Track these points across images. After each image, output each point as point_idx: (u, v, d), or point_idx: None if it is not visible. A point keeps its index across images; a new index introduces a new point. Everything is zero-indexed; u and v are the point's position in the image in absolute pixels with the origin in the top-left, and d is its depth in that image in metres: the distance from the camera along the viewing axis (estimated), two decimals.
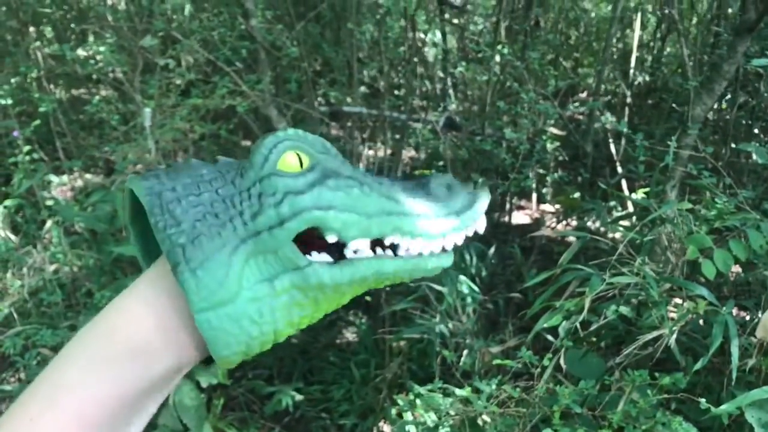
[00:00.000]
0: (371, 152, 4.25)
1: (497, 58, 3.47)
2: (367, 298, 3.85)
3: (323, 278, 0.54)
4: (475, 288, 3.50)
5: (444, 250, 0.60)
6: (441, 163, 3.88)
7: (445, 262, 0.60)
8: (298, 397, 3.31)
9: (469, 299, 3.43)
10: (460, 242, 0.60)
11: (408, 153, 4.47)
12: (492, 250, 4.00)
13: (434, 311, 3.37)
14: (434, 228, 0.58)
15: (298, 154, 0.56)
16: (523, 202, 4.93)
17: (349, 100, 3.68)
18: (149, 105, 3.43)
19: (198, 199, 0.54)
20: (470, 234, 0.61)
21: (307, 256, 0.55)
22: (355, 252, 0.56)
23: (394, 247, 0.58)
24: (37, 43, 4.29)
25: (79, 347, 0.51)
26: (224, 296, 0.51)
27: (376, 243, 0.58)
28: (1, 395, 2.95)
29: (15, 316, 3.10)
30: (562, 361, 2.11)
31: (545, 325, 2.09)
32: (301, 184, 0.54)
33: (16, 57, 4.25)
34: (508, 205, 4.31)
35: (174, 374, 0.54)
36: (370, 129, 4.18)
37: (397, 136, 4.08)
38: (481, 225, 0.62)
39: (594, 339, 2.57)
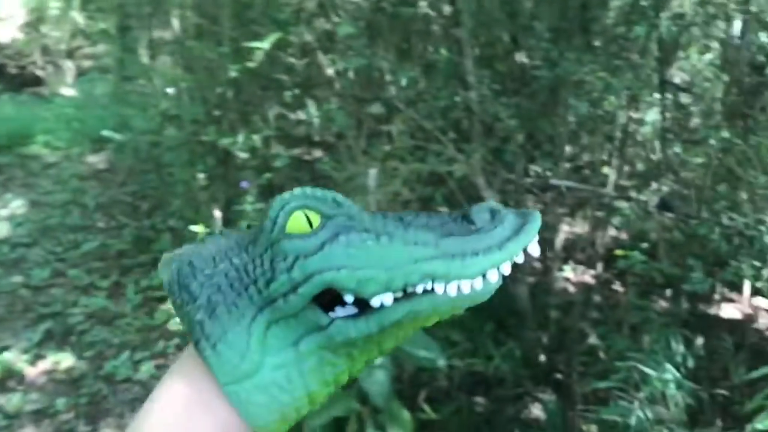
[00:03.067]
0: (568, 227, 4.11)
1: (715, 141, 3.28)
2: (558, 375, 3.75)
3: (350, 334, 0.51)
4: (680, 376, 3.26)
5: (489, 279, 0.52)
6: (645, 244, 3.70)
7: (495, 286, 0.52)
8: None
9: (673, 386, 3.19)
10: (507, 272, 0.53)
11: (609, 232, 4.32)
12: (700, 341, 3.71)
13: (634, 395, 3.18)
14: (472, 267, 0.51)
15: (306, 214, 0.52)
16: (734, 295, 4.52)
17: (549, 174, 3.67)
18: (373, 166, 3.66)
19: (213, 272, 0.53)
20: (520, 260, 0.53)
21: (332, 312, 0.52)
22: (380, 305, 0.51)
23: (429, 292, 0.52)
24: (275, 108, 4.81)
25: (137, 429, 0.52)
26: (248, 368, 0.50)
27: (406, 294, 0.52)
28: None
29: None
30: None
31: (761, 427, 1.93)
32: (310, 246, 0.51)
33: (255, 118, 4.79)
34: (717, 296, 3.98)
35: None
36: (570, 204, 4.09)
37: (600, 213, 3.98)
38: (533, 249, 0.53)
39: None
